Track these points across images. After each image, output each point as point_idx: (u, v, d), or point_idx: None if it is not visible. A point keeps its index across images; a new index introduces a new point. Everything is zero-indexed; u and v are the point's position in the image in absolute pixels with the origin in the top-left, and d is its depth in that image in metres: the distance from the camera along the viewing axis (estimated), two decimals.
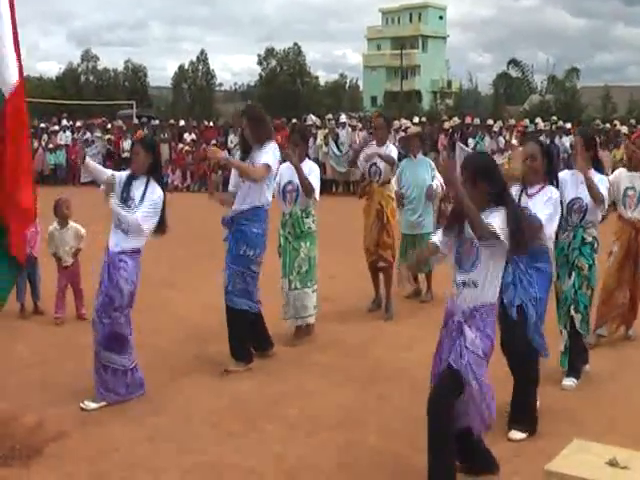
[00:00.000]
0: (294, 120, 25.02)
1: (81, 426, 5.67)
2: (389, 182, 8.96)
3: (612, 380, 6.72)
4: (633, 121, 22.48)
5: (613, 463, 3.49)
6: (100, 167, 6.64)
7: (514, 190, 5.74)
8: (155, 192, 6.14)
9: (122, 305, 6.07)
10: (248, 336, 7.09)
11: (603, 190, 6.40)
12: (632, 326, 7.92)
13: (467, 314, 4.52)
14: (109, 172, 6.44)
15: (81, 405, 6.01)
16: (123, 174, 6.32)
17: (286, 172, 7.70)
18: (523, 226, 4.56)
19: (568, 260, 6.46)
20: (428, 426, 4.54)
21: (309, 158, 8.17)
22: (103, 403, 6.07)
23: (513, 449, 5.28)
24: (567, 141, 20.46)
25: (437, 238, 4.75)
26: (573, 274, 6.41)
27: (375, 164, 8.85)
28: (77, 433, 5.53)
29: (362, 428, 5.70)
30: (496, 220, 4.42)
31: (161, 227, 6.25)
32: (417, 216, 9.40)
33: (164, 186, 6.37)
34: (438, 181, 9.23)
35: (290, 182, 7.68)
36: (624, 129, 20.57)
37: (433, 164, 9.59)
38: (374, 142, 9.09)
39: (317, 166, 7.96)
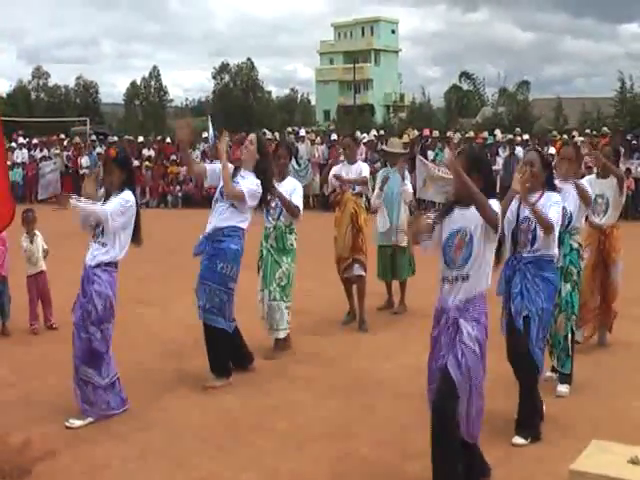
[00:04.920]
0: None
1: (69, 444, 5.58)
2: (361, 195, 8.99)
3: (590, 386, 6.82)
4: (588, 130, 22.83)
5: (635, 461, 3.55)
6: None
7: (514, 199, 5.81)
8: (125, 195, 6.08)
9: (99, 320, 5.98)
10: (227, 352, 7.04)
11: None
12: (609, 331, 8.07)
13: (461, 308, 4.56)
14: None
15: (66, 423, 5.92)
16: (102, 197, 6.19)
17: None
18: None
19: (561, 266, 6.57)
20: (433, 432, 4.58)
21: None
22: (89, 420, 5.99)
23: (504, 453, 5.34)
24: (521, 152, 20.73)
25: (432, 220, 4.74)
26: (568, 279, 6.55)
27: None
28: (66, 451, 5.45)
29: (352, 438, 5.72)
30: (496, 205, 4.51)
31: (136, 237, 6.21)
32: (395, 223, 9.40)
33: (137, 198, 6.34)
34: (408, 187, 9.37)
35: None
36: (580, 139, 20.99)
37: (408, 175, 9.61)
38: (345, 161, 9.16)
39: (299, 183, 7.92)
